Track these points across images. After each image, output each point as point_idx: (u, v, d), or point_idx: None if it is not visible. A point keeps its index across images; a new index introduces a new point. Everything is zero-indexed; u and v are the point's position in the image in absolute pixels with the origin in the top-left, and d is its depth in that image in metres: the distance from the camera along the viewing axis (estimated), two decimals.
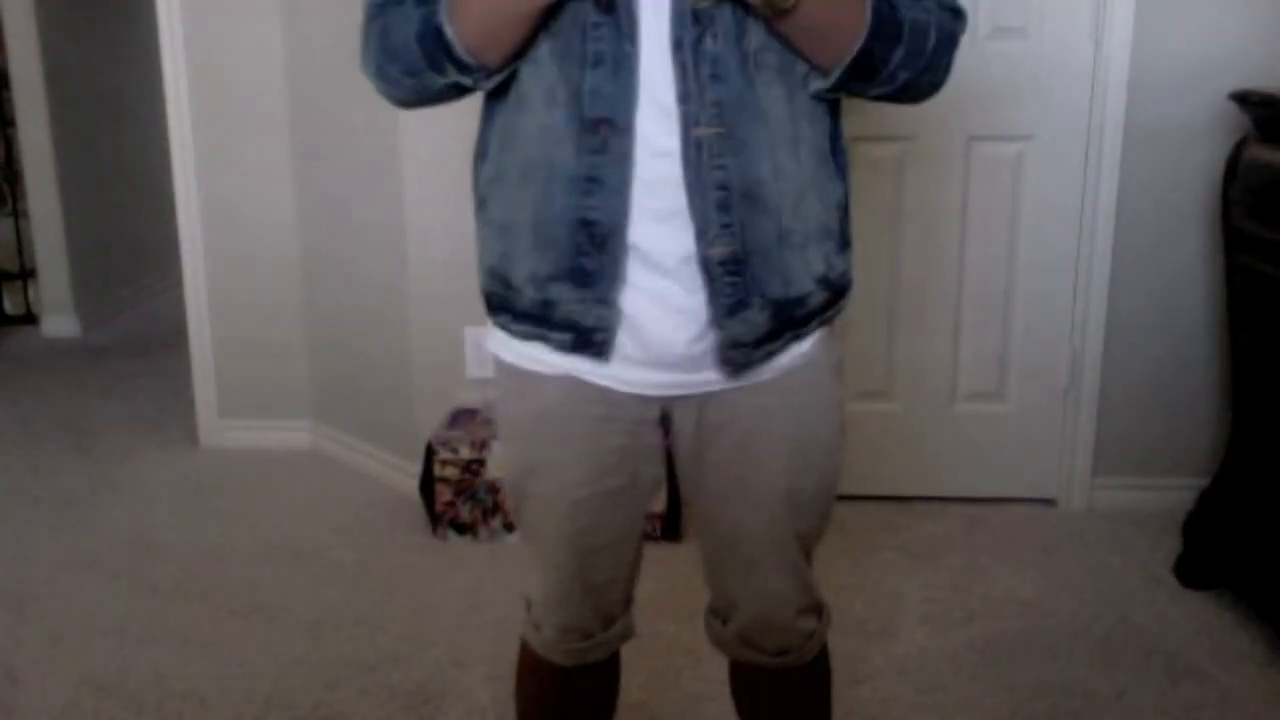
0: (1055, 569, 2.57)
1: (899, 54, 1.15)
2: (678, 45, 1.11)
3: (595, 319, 1.19)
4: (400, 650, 2.27)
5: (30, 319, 4.55)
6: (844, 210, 1.25)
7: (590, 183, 1.14)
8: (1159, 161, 2.67)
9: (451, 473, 2.68)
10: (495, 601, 2.41)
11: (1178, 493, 2.69)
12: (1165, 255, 2.72)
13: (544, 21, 1.12)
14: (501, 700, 2.04)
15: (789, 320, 1.22)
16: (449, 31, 1.13)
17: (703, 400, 1.26)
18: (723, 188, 1.14)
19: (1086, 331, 2.77)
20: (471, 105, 1.27)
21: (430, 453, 2.72)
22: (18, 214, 4.49)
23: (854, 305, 3.20)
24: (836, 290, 1.27)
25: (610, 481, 1.29)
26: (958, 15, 1.21)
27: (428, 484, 2.74)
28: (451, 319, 2.79)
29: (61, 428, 3.50)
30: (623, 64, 1.11)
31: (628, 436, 1.28)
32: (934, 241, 2.79)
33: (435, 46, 1.14)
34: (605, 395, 1.24)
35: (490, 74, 1.16)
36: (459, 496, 2.69)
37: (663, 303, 1.18)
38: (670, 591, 2.28)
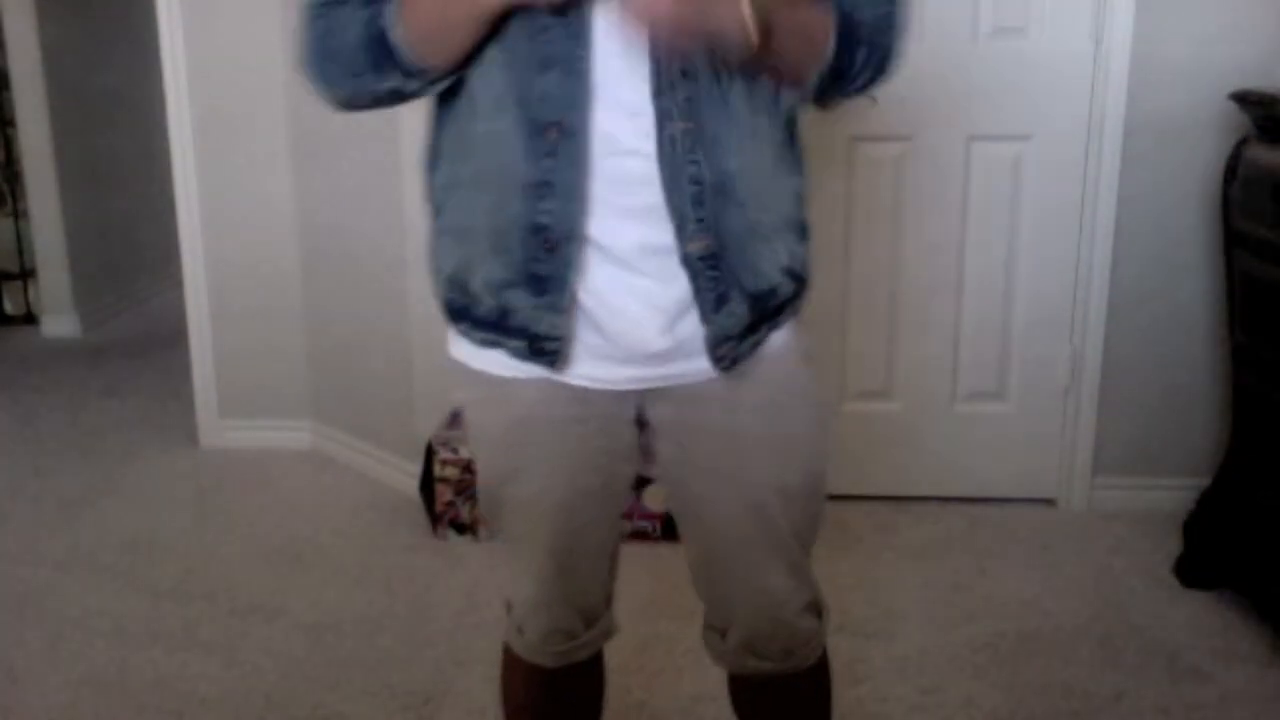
0: (1055, 569, 2.57)
1: (862, 53, 1.17)
2: (652, 43, 1.10)
3: (548, 326, 1.19)
4: (400, 650, 2.27)
5: (30, 319, 4.55)
6: (803, 201, 1.27)
7: (542, 187, 1.14)
8: (1159, 162, 2.66)
9: (451, 473, 2.68)
10: (495, 601, 2.40)
11: (1178, 493, 2.69)
12: (1165, 255, 2.72)
13: (494, 27, 1.11)
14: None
15: (764, 312, 1.24)
16: (395, 34, 1.12)
17: (681, 398, 1.26)
18: (696, 182, 1.14)
19: (1086, 331, 2.77)
20: None
21: (430, 453, 2.72)
22: (18, 214, 4.48)
23: (854, 305, 3.17)
24: (800, 281, 1.28)
25: (587, 481, 1.29)
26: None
27: (428, 484, 2.74)
28: None
29: (61, 428, 3.50)
30: (574, 66, 1.11)
31: (603, 436, 1.28)
32: (934, 241, 2.79)
33: (380, 49, 1.13)
34: (579, 395, 1.24)
35: (433, 80, 1.16)
36: (459, 496, 2.69)
37: (633, 298, 1.18)
38: (670, 591, 2.28)
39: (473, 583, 2.51)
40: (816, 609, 1.40)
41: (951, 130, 2.71)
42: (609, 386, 1.24)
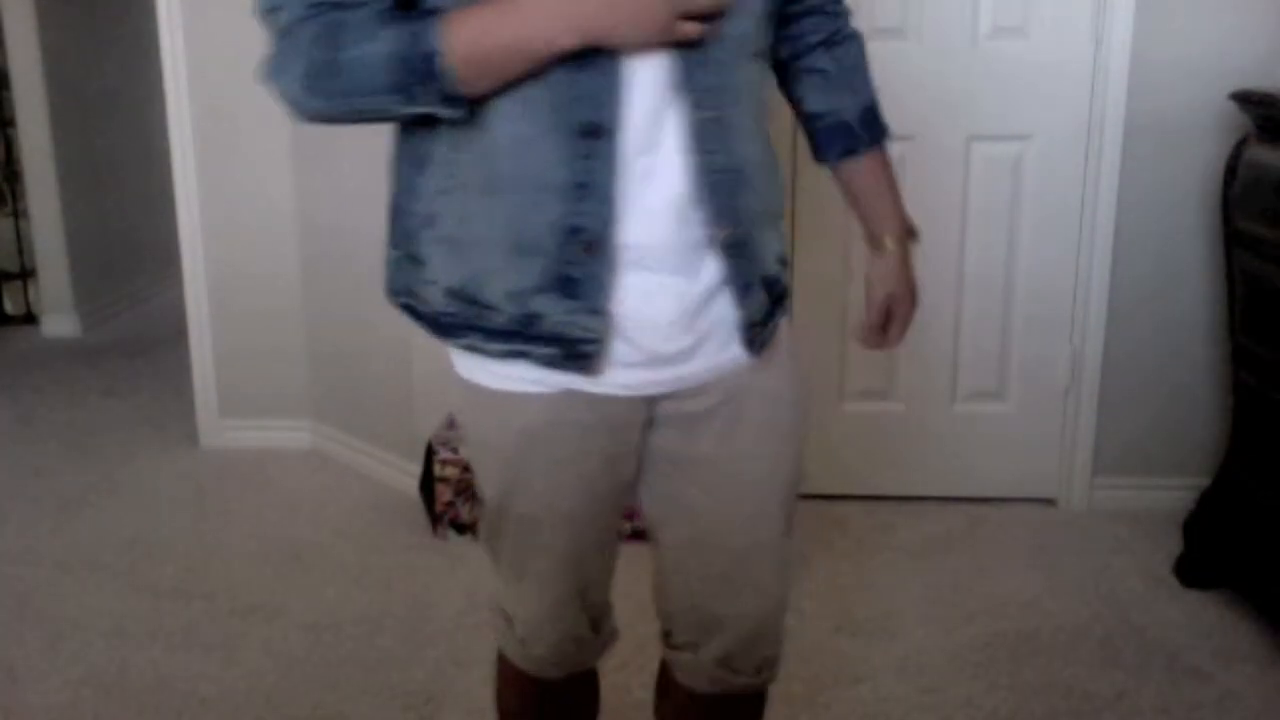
0: (1055, 569, 2.57)
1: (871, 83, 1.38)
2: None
3: (583, 330, 1.15)
4: (400, 650, 2.27)
5: (30, 319, 4.55)
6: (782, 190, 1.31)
7: (580, 189, 1.10)
8: (1159, 162, 2.67)
9: (451, 473, 2.68)
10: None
11: (1178, 493, 2.69)
12: (1165, 255, 2.72)
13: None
14: None
15: (775, 299, 1.26)
16: (444, 62, 1.04)
17: (685, 395, 1.25)
18: (721, 171, 1.15)
19: (1086, 331, 2.77)
20: None
21: (430, 453, 2.72)
22: (18, 214, 4.48)
23: (854, 305, 3.17)
24: (787, 270, 1.30)
25: (596, 486, 1.27)
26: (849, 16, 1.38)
27: (428, 484, 2.74)
28: None
29: (61, 428, 3.50)
30: (607, 66, 1.08)
31: (613, 442, 1.25)
32: (934, 241, 2.78)
33: (417, 72, 1.04)
34: (592, 402, 1.20)
35: (469, 107, 1.09)
36: (459, 496, 2.69)
37: (661, 297, 1.16)
38: None
39: (473, 583, 2.51)
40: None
41: (951, 130, 2.71)
42: (632, 393, 1.21)
